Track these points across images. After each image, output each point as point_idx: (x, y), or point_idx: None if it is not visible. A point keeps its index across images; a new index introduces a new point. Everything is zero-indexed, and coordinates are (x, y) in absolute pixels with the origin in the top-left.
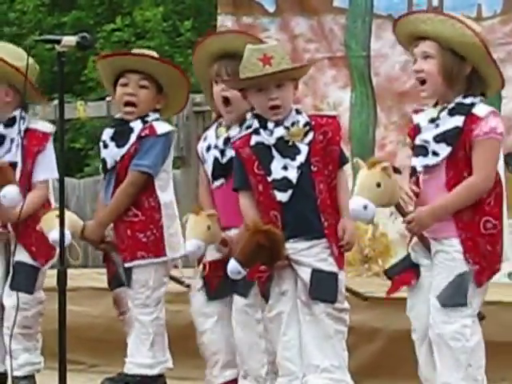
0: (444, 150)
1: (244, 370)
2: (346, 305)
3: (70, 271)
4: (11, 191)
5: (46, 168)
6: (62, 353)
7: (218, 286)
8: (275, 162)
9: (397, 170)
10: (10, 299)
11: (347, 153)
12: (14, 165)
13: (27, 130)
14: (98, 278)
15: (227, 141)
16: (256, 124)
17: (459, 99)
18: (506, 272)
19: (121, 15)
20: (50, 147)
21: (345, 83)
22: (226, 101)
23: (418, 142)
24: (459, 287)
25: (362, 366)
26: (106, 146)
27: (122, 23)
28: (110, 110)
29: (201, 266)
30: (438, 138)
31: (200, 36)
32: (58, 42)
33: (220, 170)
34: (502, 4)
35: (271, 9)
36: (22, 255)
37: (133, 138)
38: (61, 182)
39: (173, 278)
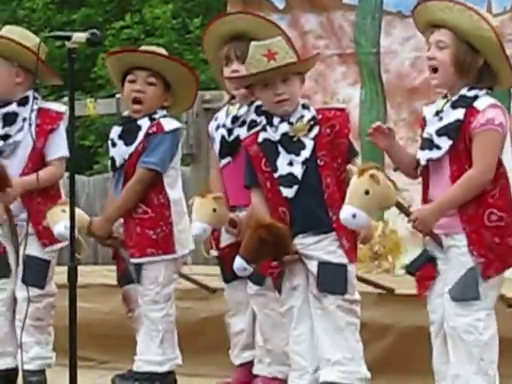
0: (446, 144)
1: (264, 352)
2: (357, 296)
3: (80, 268)
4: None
5: (59, 146)
6: (72, 349)
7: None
8: (281, 158)
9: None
10: (22, 292)
11: (357, 149)
12: (18, 143)
13: (40, 110)
14: (109, 274)
15: (235, 120)
16: (264, 121)
17: (463, 91)
18: None
19: (130, 12)
20: (62, 127)
21: (354, 80)
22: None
23: (424, 134)
24: (470, 281)
25: (374, 361)
26: (114, 145)
27: (132, 20)
28: (119, 107)
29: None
30: (441, 132)
31: None
32: (68, 38)
33: (226, 148)
34: None
35: (281, 5)
36: (31, 248)
37: (140, 135)
38: (71, 179)
39: (183, 276)
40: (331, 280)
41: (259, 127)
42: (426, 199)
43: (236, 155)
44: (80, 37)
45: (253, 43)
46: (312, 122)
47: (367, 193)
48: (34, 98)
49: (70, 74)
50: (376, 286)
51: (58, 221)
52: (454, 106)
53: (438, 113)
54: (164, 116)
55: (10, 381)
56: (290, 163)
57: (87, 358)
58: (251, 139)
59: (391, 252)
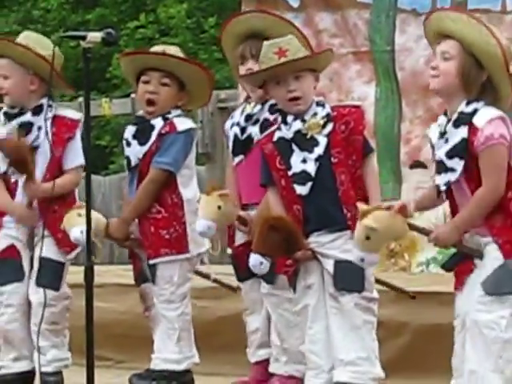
0: (458, 165)
1: (280, 351)
2: (375, 294)
3: (96, 268)
4: None
5: (77, 155)
6: (89, 349)
7: (247, 267)
8: (294, 155)
9: (421, 165)
10: (36, 295)
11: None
12: (35, 148)
13: (55, 117)
14: (124, 274)
15: (248, 118)
16: (279, 120)
17: (462, 108)
18: None
19: (145, 12)
20: (78, 135)
21: (369, 78)
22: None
23: (436, 158)
24: (504, 275)
25: (390, 360)
26: (128, 144)
27: (146, 20)
28: (134, 106)
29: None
30: (450, 154)
31: None
32: (84, 37)
33: (239, 146)
34: None
35: (295, 4)
36: (47, 250)
37: (154, 135)
38: (87, 179)
39: (198, 273)
40: (348, 278)
41: (275, 126)
42: None
43: (248, 153)
44: (95, 36)
45: (265, 42)
46: (326, 119)
47: (368, 238)
48: (49, 105)
49: (85, 73)
50: (395, 289)
51: (75, 225)
52: (456, 125)
53: (442, 135)
54: (178, 115)
55: (26, 381)
56: (304, 160)
57: (104, 357)
58: (267, 138)
59: (407, 250)
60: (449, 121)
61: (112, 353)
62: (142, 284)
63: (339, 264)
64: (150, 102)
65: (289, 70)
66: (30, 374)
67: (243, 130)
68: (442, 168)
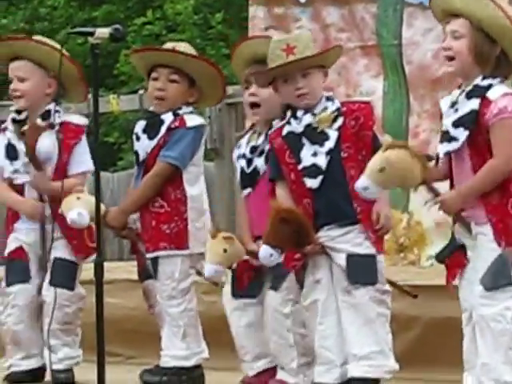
0: (462, 135)
1: (279, 364)
2: (388, 287)
3: (106, 264)
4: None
5: (83, 160)
6: (100, 346)
7: (247, 286)
8: (305, 149)
9: (430, 158)
10: (50, 295)
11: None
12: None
13: (62, 123)
14: (134, 270)
15: (253, 149)
16: (288, 114)
17: (477, 81)
18: None
19: (152, 8)
20: (84, 140)
21: (377, 72)
22: (253, 105)
23: (442, 127)
24: (501, 267)
25: (401, 353)
26: (138, 139)
27: (153, 16)
28: (142, 103)
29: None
30: (457, 123)
31: (231, 28)
32: (92, 34)
33: (246, 179)
34: None
35: None
36: (60, 251)
37: (163, 129)
38: (96, 175)
39: (200, 273)
40: (362, 271)
41: (284, 121)
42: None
43: (256, 186)
44: (103, 32)
45: (273, 38)
46: (336, 114)
47: (382, 170)
48: (56, 111)
49: (94, 69)
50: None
51: (72, 208)
52: (469, 96)
53: (453, 104)
54: (190, 112)
55: (36, 378)
56: (314, 154)
57: (114, 353)
58: (276, 132)
59: (416, 244)
60: (462, 92)
61: (122, 348)
62: (145, 280)
63: (352, 257)
64: (158, 99)
65: (296, 68)
66: (40, 370)
67: (249, 162)
68: (445, 137)
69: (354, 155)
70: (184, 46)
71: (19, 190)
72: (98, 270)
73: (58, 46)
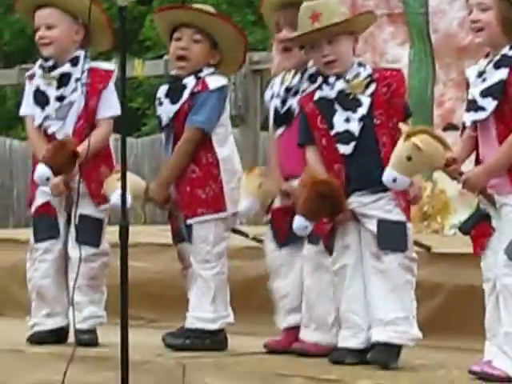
0: (490, 105)
1: (308, 318)
2: (415, 255)
3: (130, 228)
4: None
5: (111, 105)
6: (123, 308)
7: (288, 233)
8: (337, 115)
9: (454, 127)
10: (76, 251)
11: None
12: (73, 104)
13: (90, 69)
14: (159, 234)
15: (288, 89)
16: (320, 80)
17: (505, 51)
18: None
19: None
20: (112, 85)
21: (403, 40)
22: (285, 49)
23: (469, 96)
24: None
25: (424, 321)
26: (161, 104)
27: None
28: (167, 68)
29: (269, 215)
30: (485, 93)
31: None
32: None
33: (280, 118)
34: None
35: None
36: (86, 208)
37: (186, 94)
38: (122, 141)
39: (236, 231)
40: (392, 237)
41: (315, 85)
42: (478, 159)
43: (290, 125)
44: None
45: (302, 5)
46: (368, 80)
47: (409, 159)
48: (85, 57)
49: (121, 32)
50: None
51: (114, 189)
52: (497, 66)
53: (480, 74)
54: (211, 74)
55: (59, 338)
56: (347, 120)
57: (137, 316)
58: (307, 97)
59: (440, 212)
60: (490, 62)
61: (145, 312)
62: (179, 244)
63: (383, 223)
64: (180, 58)
65: (321, 36)
66: (63, 330)
67: (283, 102)
68: (472, 106)
69: (385, 122)
70: (208, 8)
71: (52, 139)
72: (123, 232)
73: None
